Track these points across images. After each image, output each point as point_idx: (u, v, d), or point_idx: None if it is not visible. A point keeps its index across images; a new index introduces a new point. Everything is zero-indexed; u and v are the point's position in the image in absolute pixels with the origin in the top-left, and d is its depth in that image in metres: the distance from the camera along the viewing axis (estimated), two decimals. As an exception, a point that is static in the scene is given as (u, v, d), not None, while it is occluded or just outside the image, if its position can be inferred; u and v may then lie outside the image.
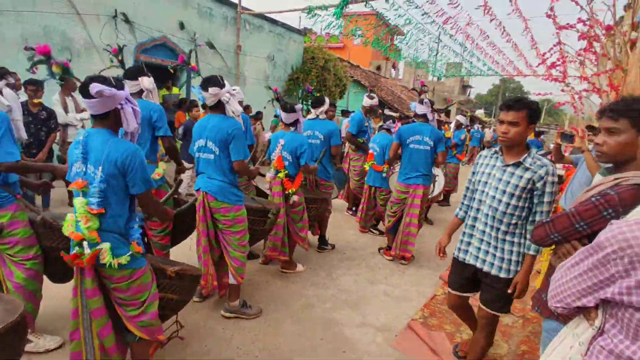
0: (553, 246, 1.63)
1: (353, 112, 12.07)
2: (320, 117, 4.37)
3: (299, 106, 3.60)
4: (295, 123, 3.65)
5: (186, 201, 3.17)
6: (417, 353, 2.84)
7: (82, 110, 5.12)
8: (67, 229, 1.87)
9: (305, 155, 3.57)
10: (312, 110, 4.44)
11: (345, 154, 6.31)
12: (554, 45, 4.96)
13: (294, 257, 4.17)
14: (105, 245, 1.84)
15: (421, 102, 4.27)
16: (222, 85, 2.73)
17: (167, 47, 8.26)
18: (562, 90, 5.07)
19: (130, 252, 1.90)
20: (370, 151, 5.04)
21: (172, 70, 7.89)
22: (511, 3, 5.75)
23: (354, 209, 6.13)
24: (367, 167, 5.38)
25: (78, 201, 1.83)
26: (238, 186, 2.87)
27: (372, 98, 5.59)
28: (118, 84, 1.86)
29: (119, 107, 1.84)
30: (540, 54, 6.05)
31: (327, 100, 4.44)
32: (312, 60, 11.85)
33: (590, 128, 3.35)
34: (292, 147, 3.57)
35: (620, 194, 1.45)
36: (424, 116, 4.27)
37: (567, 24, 3.97)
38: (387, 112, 6.93)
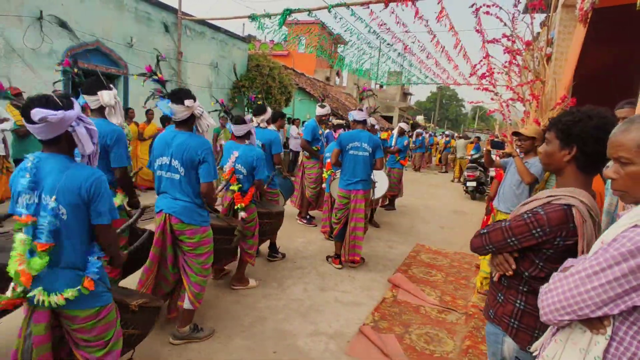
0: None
1: (298, 119, 12.32)
2: (262, 125, 4.36)
3: (247, 117, 3.55)
4: (248, 135, 3.60)
5: (144, 230, 2.94)
6: (369, 357, 2.90)
7: (3, 120, 4.66)
8: (13, 268, 1.63)
9: (261, 171, 3.52)
10: (253, 118, 4.43)
11: (299, 163, 6.35)
12: (483, 58, 5.36)
13: (245, 271, 4.08)
14: (36, 291, 1.66)
15: (360, 108, 4.42)
16: (195, 98, 2.58)
17: (101, 52, 7.79)
18: (492, 99, 5.49)
19: (79, 287, 1.72)
20: (328, 160, 5.12)
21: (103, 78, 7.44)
22: (442, 18, 6.13)
23: (308, 217, 6.18)
24: (325, 175, 5.43)
25: (19, 238, 1.62)
26: (203, 206, 2.71)
27: (323, 107, 5.71)
28: (66, 103, 1.65)
29: (70, 129, 1.65)
30: (471, 65, 6.51)
31: (268, 109, 4.44)
32: (256, 67, 11.77)
33: (516, 134, 3.64)
34: (247, 160, 3.51)
35: (548, 213, 1.45)
36: (363, 122, 4.40)
37: (494, 38, 4.31)
38: (335, 121, 7.06)
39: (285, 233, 5.47)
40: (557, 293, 1.22)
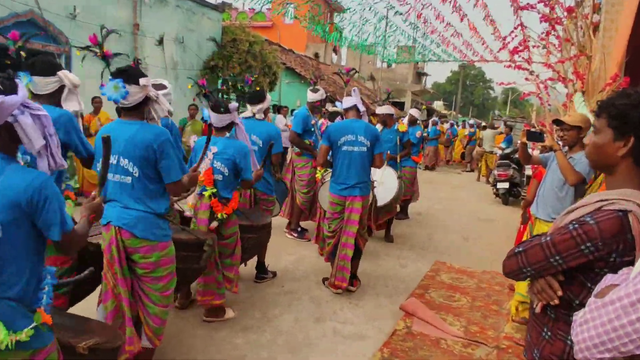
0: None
1: (286, 107, 12.32)
2: (258, 116, 4.37)
3: (234, 105, 3.53)
4: (231, 126, 3.60)
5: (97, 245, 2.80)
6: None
7: None
8: None
9: (248, 169, 3.51)
10: (248, 107, 4.43)
11: (288, 162, 6.36)
12: (515, 28, 5.38)
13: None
14: None
15: (348, 92, 4.42)
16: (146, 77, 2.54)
17: (37, 25, 7.73)
18: (527, 79, 5.51)
19: (34, 324, 1.64)
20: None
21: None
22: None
23: (299, 229, 6.18)
24: (319, 175, 5.43)
25: None
26: (164, 216, 2.66)
27: (316, 91, 5.72)
28: (7, 86, 1.57)
29: (10, 120, 1.57)
30: (500, 36, 6.52)
31: (268, 96, 4.46)
32: (233, 43, 11.72)
33: (557, 122, 3.64)
34: (229, 156, 3.49)
35: (599, 223, 1.42)
36: (355, 109, 4.39)
37: (528, 4, 4.33)
38: (332, 108, 7.07)
39: (270, 250, 5.43)
40: (594, 325, 1.21)
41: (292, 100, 16.75)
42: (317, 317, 4.01)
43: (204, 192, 3.50)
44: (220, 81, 11.42)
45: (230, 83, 11.25)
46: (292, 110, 12.52)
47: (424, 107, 17.36)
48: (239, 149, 3.52)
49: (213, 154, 3.50)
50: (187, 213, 3.72)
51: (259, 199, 4.42)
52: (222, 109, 3.50)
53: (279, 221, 6.63)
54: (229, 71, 11.22)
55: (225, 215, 3.49)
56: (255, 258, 4.60)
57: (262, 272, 4.66)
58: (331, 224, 4.43)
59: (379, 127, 6.36)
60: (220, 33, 12.04)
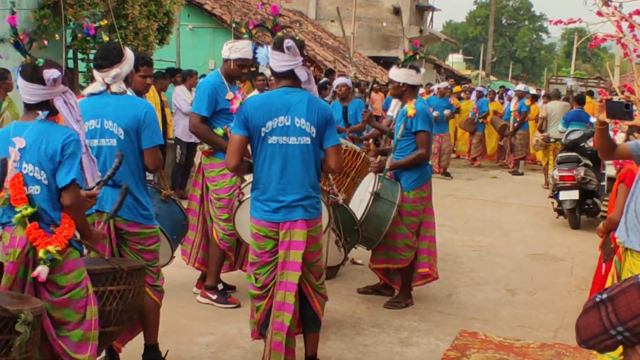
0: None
1: (192, 72, 12.21)
2: (115, 89, 4.39)
3: (51, 73, 3.50)
4: (47, 105, 3.60)
5: None
6: None
7: None
8: None
9: (75, 167, 3.53)
10: (97, 75, 4.45)
11: (197, 166, 6.36)
12: None
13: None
14: None
15: (278, 45, 4.45)
16: None
17: None
18: (600, 14, 5.69)
19: None
20: None
21: None
22: None
23: (221, 286, 6.19)
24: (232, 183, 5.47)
25: None
26: None
27: (234, 42, 5.82)
28: None
29: None
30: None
31: (128, 52, 4.46)
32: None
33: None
34: (43, 152, 3.51)
35: None
36: (291, 75, 4.47)
37: None
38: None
39: (170, 324, 5.42)
40: None
41: (201, 59, 16.75)
42: None
43: (15, 216, 3.46)
44: (69, 31, 11.30)
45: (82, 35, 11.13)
46: (202, 77, 12.53)
47: (444, 74, 17.55)
48: (64, 136, 3.55)
49: (18, 150, 3.51)
50: None
51: (124, 235, 4.38)
52: (30, 73, 3.55)
53: (182, 274, 6.56)
54: (86, 10, 11.11)
55: (57, 249, 3.45)
56: (138, 338, 4.59)
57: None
58: (258, 274, 4.49)
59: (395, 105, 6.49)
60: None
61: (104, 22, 4.95)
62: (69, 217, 3.60)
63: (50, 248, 3.45)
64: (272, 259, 4.43)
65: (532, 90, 22.71)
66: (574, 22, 6.23)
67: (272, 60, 4.46)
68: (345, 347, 5.39)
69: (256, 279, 4.50)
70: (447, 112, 15.25)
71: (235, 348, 5.30)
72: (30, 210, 3.48)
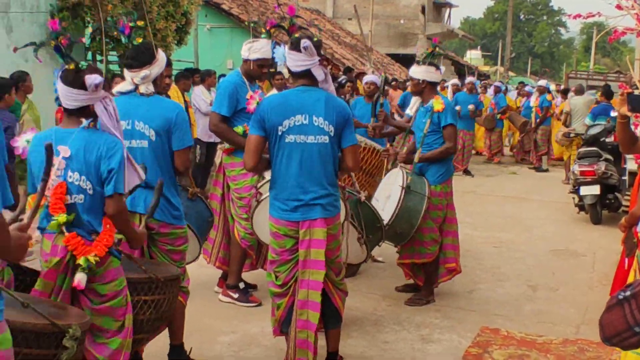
0: None
1: (210, 72, 12.21)
2: (144, 90, 4.39)
3: (93, 79, 3.47)
4: (88, 110, 3.58)
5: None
6: None
7: None
8: None
9: (119, 177, 3.52)
10: (127, 74, 4.47)
11: (218, 165, 6.39)
12: None
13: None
14: None
15: (295, 45, 4.44)
16: None
17: None
18: (619, 7, 5.62)
19: None
20: None
21: None
22: None
23: (243, 285, 6.20)
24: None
25: None
26: None
27: (253, 42, 5.82)
28: None
29: None
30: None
31: (161, 53, 4.48)
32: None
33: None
34: (89, 161, 3.51)
35: None
36: (308, 74, 4.47)
37: None
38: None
39: (193, 324, 5.43)
40: None
41: (219, 58, 16.78)
42: None
43: (51, 223, 3.46)
44: (89, 31, 11.35)
45: (107, 33, 11.15)
46: (221, 78, 12.55)
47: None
48: (108, 145, 3.54)
49: (63, 158, 3.50)
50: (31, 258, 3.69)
51: (157, 235, 4.41)
52: (71, 79, 3.52)
53: (203, 273, 6.58)
54: (104, 13, 11.15)
55: (92, 260, 3.46)
56: (163, 338, 4.61)
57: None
58: (279, 272, 4.50)
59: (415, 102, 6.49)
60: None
61: (140, 23, 4.98)
62: (111, 226, 3.62)
63: (90, 257, 3.47)
64: (292, 257, 4.46)
65: (552, 86, 22.57)
66: (593, 15, 6.18)
67: (289, 60, 4.48)
68: (366, 344, 5.41)
69: (276, 277, 4.52)
70: (471, 107, 15.14)
71: (257, 346, 5.33)
72: (65, 218, 3.48)
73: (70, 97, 3.57)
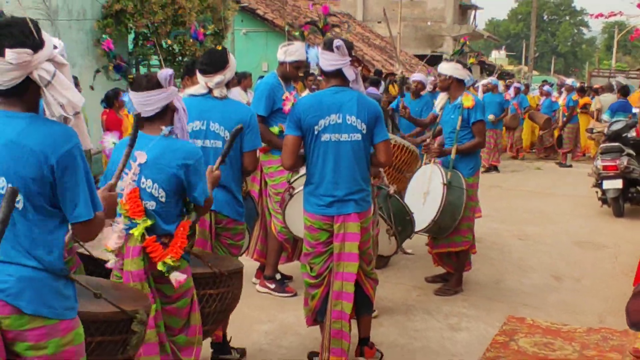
0: None
1: (245, 74, 12.25)
2: (218, 93, 4.47)
3: (165, 73, 3.55)
4: (166, 114, 3.64)
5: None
6: None
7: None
8: None
9: (201, 185, 3.57)
10: (199, 78, 4.52)
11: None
12: None
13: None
14: None
15: (328, 45, 4.50)
16: (36, 44, 2.40)
17: None
18: (640, 6, 5.68)
19: None
20: None
21: None
22: None
23: (279, 276, 6.29)
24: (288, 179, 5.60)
25: None
26: (66, 273, 2.64)
27: (288, 45, 5.89)
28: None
29: None
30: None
31: (232, 59, 4.53)
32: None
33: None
34: (165, 167, 3.53)
35: None
36: (340, 74, 4.52)
37: None
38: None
39: (232, 314, 5.49)
40: None
41: (255, 61, 16.85)
42: None
43: (132, 230, 3.48)
44: (131, 37, 11.42)
45: (150, 39, 11.18)
46: (260, 79, 12.64)
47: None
48: (186, 152, 3.57)
49: (138, 165, 3.49)
50: (110, 264, 3.66)
51: (222, 230, 4.50)
52: (145, 83, 3.56)
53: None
54: (146, 19, 11.20)
55: (173, 263, 3.49)
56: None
57: (222, 351, 4.77)
58: (313, 264, 4.57)
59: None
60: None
61: (211, 27, 5.02)
62: (184, 229, 3.62)
63: (168, 260, 3.50)
64: (326, 249, 4.53)
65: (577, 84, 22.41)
66: (615, 15, 6.26)
67: (322, 60, 4.53)
68: (397, 332, 5.49)
69: (311, 269, 4.59)
70: (491, 117, 14.82)
71: (293, 335, 5.43)
72: (148, 222, 3.52)
73: (150, 101, 3.56)
